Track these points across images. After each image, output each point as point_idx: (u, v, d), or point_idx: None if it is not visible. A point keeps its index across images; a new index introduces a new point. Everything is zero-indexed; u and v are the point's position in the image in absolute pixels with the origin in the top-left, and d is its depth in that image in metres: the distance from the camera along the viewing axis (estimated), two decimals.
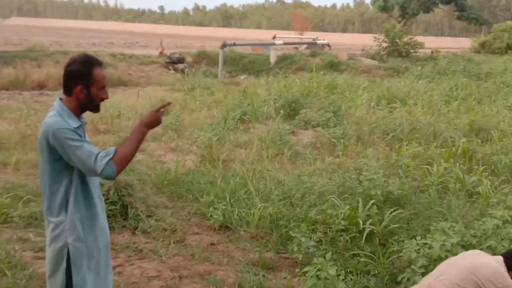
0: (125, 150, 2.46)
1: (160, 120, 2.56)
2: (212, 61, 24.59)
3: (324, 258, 3.46)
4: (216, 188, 5.89)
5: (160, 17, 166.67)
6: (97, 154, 2.39)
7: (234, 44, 22.83)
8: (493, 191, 5.70)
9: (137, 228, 4.98)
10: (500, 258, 3.16)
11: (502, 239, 3.76)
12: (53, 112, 2.49)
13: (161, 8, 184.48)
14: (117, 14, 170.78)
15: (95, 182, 2.65)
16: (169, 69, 21.58)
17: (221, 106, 11.78)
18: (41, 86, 14.62)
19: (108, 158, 2.39)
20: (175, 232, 5.01)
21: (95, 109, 2.59)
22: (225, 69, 22.49)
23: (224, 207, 5.32)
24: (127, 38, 47.00)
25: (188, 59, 23.98)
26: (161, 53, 24.65)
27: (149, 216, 5.23)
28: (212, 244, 4.85)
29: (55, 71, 15.35)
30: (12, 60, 17.07)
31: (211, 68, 23.72)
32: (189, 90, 14.22)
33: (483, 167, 6.67)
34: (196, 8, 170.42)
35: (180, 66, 22.09)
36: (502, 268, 3.04)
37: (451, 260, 3.29)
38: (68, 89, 2.52)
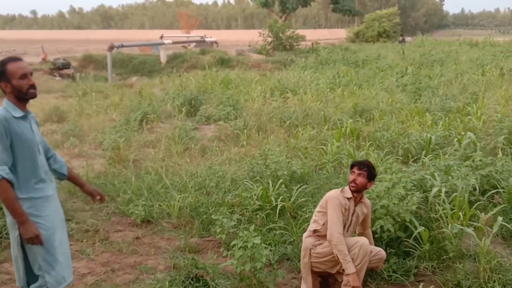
0: (9, 197, 2.83)
1: (24, 233, 2.87)
2: (100, 64, 23.91)
3: (248, 231, 3.88)
4: (131, 187, 6.05)
5: (33, 21, 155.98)
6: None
7: (122, 46, 22.39)
8: (379, 162, 6.55)
9: None
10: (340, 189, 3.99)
11: (392, 198, 4.47)
12: (1, 107, 2.90)
13: (33, 12, 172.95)
14: None
15: (42, 164, 3.02)
16: (55, 76, 20.58)
17: (119, 109, 11.72)
18: None
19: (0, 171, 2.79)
20: (97, 232, 5.12)
21: (28, 95, 2.95)
22: (114, 71, 22.01)
23: (144, 202, 5.54)
24: (0, 47, 43.51)
25: (74, 63, 23.04)
26: (43, 59, 23.38)
27: (68, 220, 5.27)
28: (137, 238, 5.05)
29: None
30: None
31: (99, 72, 23.04)
32: (82, 95, 13.85)
33: (369, 142, 7.57)
34: (72, 10, 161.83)
35: (66, 71, 21.15)
36: (338, 193, 3.89)
37: None
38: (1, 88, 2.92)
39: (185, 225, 5.26)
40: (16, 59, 2.98)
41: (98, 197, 3.41)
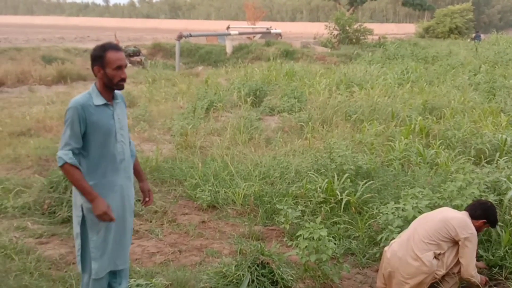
0: (78, 178, 2.87)
1: (97, 213, 2.87)
2: (168, 52, 24.54)
3: (315, 222, 3.89)
4: (198, 172, 6.21)
5: (105, 10, 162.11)
6: (65, 146, 2.87)
7: (190, 35, 22.87)
8: (450, 162, 6.32)
9: None
10: (465, 212, 3.73)
11: (467, 198, 4.31)
12: (85, 91, 2.99)
13: (106, 0, 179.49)
14: (60, 8, 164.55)
15: (117, 152, 3.04)
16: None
17: (186, 96, 12.02)
18: None
19: (66, 158, 2.84)
20: (166, 213, 5.32)
21: (117, 87, 2.99)
22: (181, 60, 22.53)
23: (210, 188, 5.68)
24: (75, 33, 45.77)
25: (144, 51, 23.81)
26: None
27: (138, 200, 5.48)
28: (203, 222, 5.20)
29: (13, 68, 15.05)
30: None
31: (167, 60, 23.66)
32: (152, 82, 14.32)
33: (440, 141, 7.31)
34: (142, 0, 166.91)
35: (136, 58, 21.92)
36: (468, 219, 3.60)
37: (423, 216, 3.82)
38: (93, 71, 2.99)
39: (249, 213, 5.34)
40: (116, 48, 2.98)
41: (147, 199, 3.39)
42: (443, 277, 3.59)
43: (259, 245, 3.81)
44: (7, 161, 6.86)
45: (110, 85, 2.97)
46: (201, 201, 5.52)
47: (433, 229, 3.53)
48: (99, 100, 2.95)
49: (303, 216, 5.01)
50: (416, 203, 4.30)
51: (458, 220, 3.55)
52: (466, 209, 3.82)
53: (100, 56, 2.91)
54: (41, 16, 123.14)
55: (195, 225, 5.06)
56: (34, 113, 9.68)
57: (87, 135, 2.91)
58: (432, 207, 4.44)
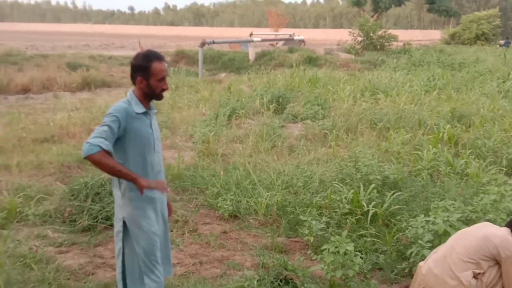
0: (111, 161, 2.65)
1: (142, 187, 2.73)
2: (191, 60, 24.65)
3: (341, 236, 3.72)
4: (220, 181, 6.09)
5: (130, 17, 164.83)
6: (97, 137, 2.63)
7: (213, 42, 22.94)
8: (481, 172, 6.06)
9: None
10: (506, 229, 3.49)
11: (501, 212, 4.08)
12: (124, 99, 2.85)
13: (131, 8, 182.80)
14: (86, 15, 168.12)
15: (154, 162, 2.92)
16: None
17: (209, 103, 11.95)
18: (25, 90, 14.48)
19: (99, 143, 2.58)
20: (187, 223, 5.21)
21: (157, 97, 2.91)
22: (204, 67, 22.59)
23: (232, 197, 5.55)
24: (100, 40, 46.51)
25: (167, 58, 23.97)
26: None
27: None
28: (224, 232, 5.07)
29: (38, 74, 15.28)
30: None
31: (190, 67, 23.75)
32: (175, 89, 14.33)
33: (469, 150, 7.04)
34: (167, 7, 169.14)
35: None
36: (510, 237, 3.36)
37: (462, 232, 3.58)
38: (132, 79, 2.87)
39: (272, 223, 5.20)
40: (160, 58, 2.88)
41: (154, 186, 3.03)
42: None
43: (283, 259, 3.66)
44: (30, 168, 6.87)
45: (151, 95, 2.90)
46: (223, 211, 5.40)
47: (472, 247, 3.31)
48: (139, 108, 2.85)
49: (327, 228, 4.84)
50: (447, 216, 4.09)
51: (500, 238, 3.32)
52: (507, 225, 3.58)
53: (145, 67, 2.82)
54: (68, 23, 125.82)
55: (216, 235, 4.93)
56: (58, 120, 9.73)
57: (126, 144, 2.80)
58: (464, 220, 4.23)
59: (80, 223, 4.97)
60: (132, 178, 2.71)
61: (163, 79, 2.86)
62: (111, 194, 5.09)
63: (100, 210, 5.06)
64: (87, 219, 4.97)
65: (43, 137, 8.53)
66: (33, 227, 4.95)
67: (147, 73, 2.82)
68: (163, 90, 2.89)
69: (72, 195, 5.26)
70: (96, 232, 4.89)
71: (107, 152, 2.63)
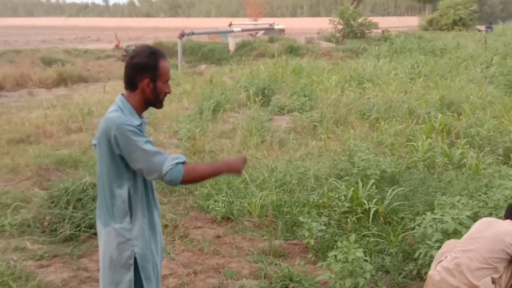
0: (201, 167, 2.33)
1: (241, 172, 2.43)
2: (170, 51, 24.01)
3: (348, 241, 3.45)
4: (210, 180, 5.77)
5: (105, 9, 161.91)
6: (166, 154, 2.22)
7: (192, 33, 22.38)
8: (480, 163, 5.86)
9: None
10: (510, 221, 3.26)
11: None
12: (114, 107, 2.31)
13: (105, 0, 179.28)
14: (60, 9, 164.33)
15: (153, 186, 2.49)
16: None
17: (191, 97, 11.59)
18: None
19: (178, 161, 2.20)
20: (177, 227, 4.88)
21: (159, 104, 2.41)
22: (184, 59, 22.07)
23: (223, 198, 5.25)
24: (75, 33, 45.38)
25: None
26: (116, 46, 23.93)
27: None
28: (218, 236, 4.76)
29: (11, 71, 14.61)
30: None
31: (168, 59, 23.16)
32: None
33: (465, 140, 6.85)
34: None
35: None
36: None
37: (469, 234, 3.33)
38: (132, 82, 2.33)
39: (268, 225, 4.90)
40: (164, 55, 2.38)
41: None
42: None
43: (287, 269, 3.37)
44: (5, 172, 6.44)
45: (153, 102, 2.37)
46: (215, 213, 5.08)
47: (487, 250, 3.07)
48: (135, 120, 2.28)
49: (327, 228, 4.57)
50: (457, 214, 3.86)
51: None
52: (506, 217, 3.35)
53: (153, 66, 2.29)
54: (41, 17, 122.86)
55: (209, 240, 4.62)
56: (34, 119, 9.25)
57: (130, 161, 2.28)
58: (474, 217, 4.00)
59: (62, 232, 4.60)
60: (229, 168, 2.38)
61: (167, 81, 2.39)
62: (94, 200, 4.74)
63: (83, 217, 4.70)
64: (69, 228, 4.60)
65: (18, 137, 8.07)
66: (10, 239, 4.57)
67: (155, 74, 2.30)
68: (166, 94, 2.41)
69: (52, 202, 4.87)
70: (79, 242, 4.53)
71: (184, 162, 2.24)
